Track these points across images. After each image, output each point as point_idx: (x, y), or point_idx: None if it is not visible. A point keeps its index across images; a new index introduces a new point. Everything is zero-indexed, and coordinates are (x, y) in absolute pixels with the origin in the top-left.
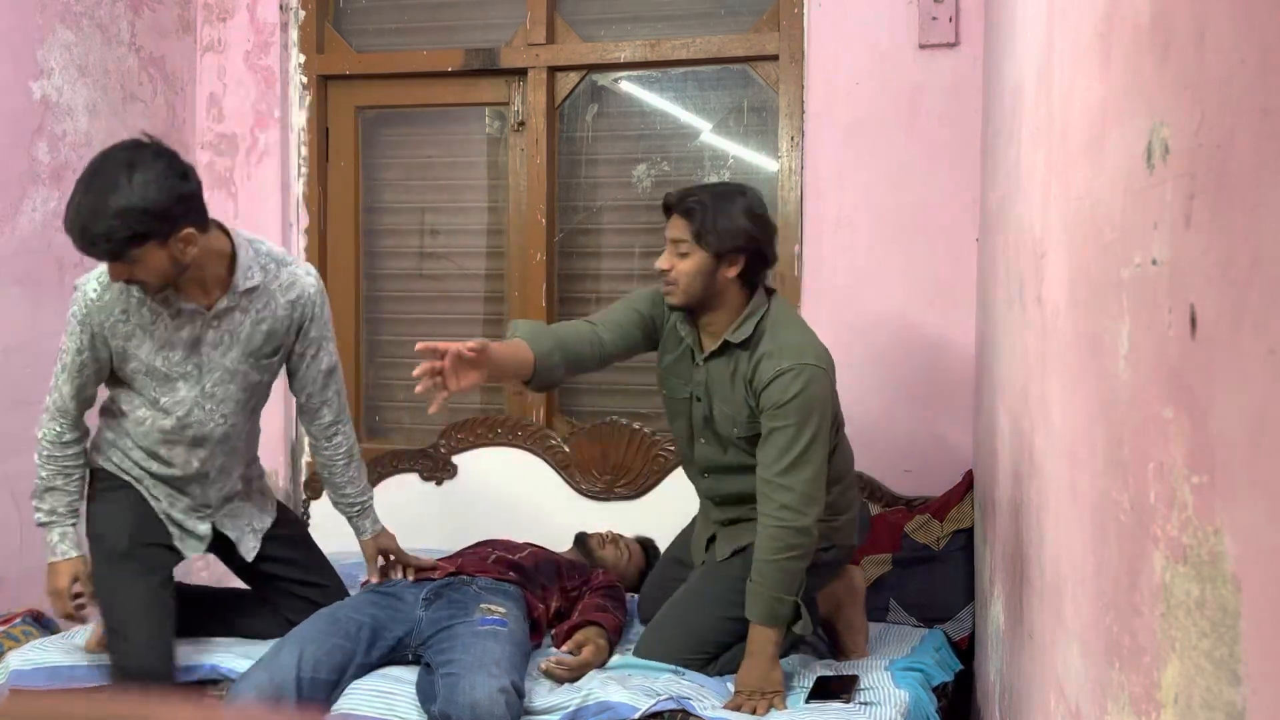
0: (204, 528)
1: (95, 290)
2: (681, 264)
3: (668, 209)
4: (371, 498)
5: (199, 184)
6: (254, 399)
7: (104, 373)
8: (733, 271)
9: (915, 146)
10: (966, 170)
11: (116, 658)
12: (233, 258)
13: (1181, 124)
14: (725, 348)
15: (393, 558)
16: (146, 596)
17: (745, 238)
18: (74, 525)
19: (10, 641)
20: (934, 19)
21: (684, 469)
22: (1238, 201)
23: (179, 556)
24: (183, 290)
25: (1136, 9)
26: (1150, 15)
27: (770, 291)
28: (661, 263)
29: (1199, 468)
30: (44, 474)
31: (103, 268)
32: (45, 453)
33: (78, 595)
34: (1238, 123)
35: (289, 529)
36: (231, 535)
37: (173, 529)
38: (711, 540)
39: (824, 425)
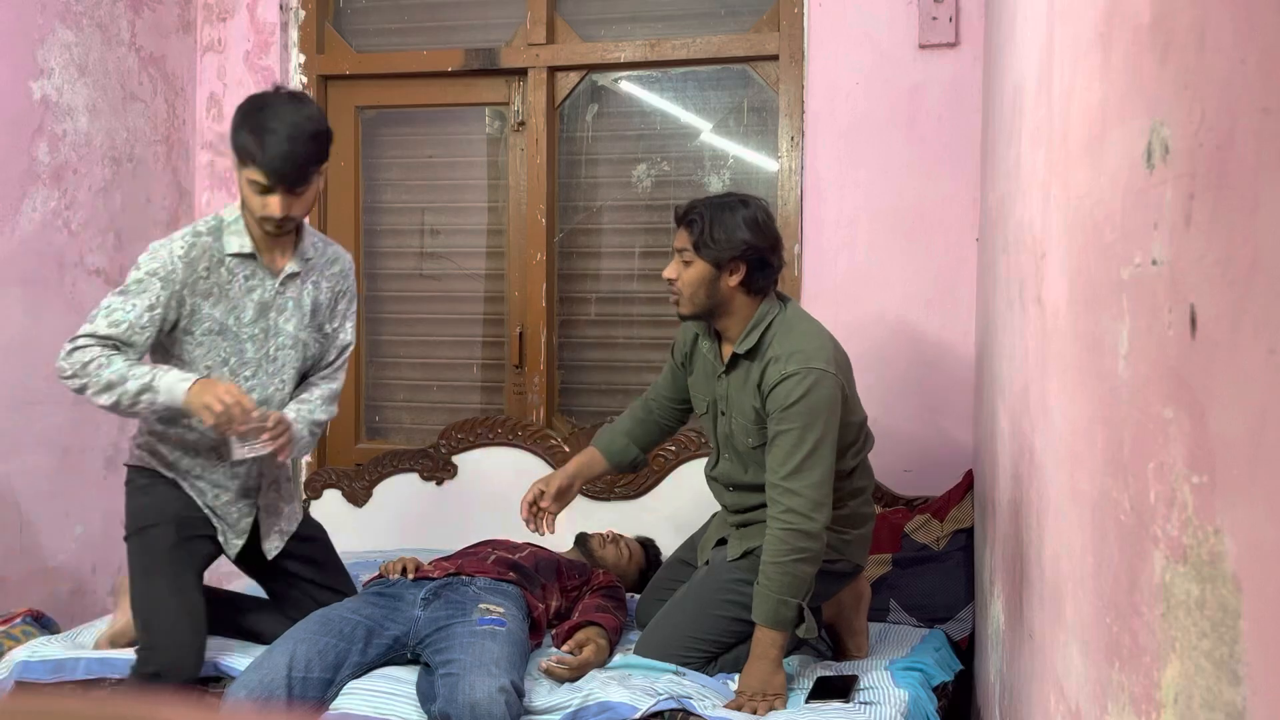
0: (247, 521)
1: (182, 248)
2: (685, 273)
3: (676, 219)
4: (313, 410)
5: None
6: (304, 372)
7: (154, 337)
8: (734, 280)
9: (915, 146)
10: (966, 170)
11: (149, 656)
12: (299, 228)
13: (1181, 124)
14: (736, 359)
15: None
16: (187, 599)
17: (744, 247)
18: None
19: (11, 641)
20: (934, 19)
21: (710, 485)
22: (1238, 201)
23: (218, 552)
24: (268, 250)
25: (1136, 9)
26: (1150, 15)
27: (783, 298)
28: (667, 272)
29: (1199, 468)
30: (102, 374)
31: (182, 233)
32: (88, 361)
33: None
34: (1238, 123)
35: (313, 533)
36: (262, 528)
37: (217, 523)
38: (722, 542)
39: (831, 429)
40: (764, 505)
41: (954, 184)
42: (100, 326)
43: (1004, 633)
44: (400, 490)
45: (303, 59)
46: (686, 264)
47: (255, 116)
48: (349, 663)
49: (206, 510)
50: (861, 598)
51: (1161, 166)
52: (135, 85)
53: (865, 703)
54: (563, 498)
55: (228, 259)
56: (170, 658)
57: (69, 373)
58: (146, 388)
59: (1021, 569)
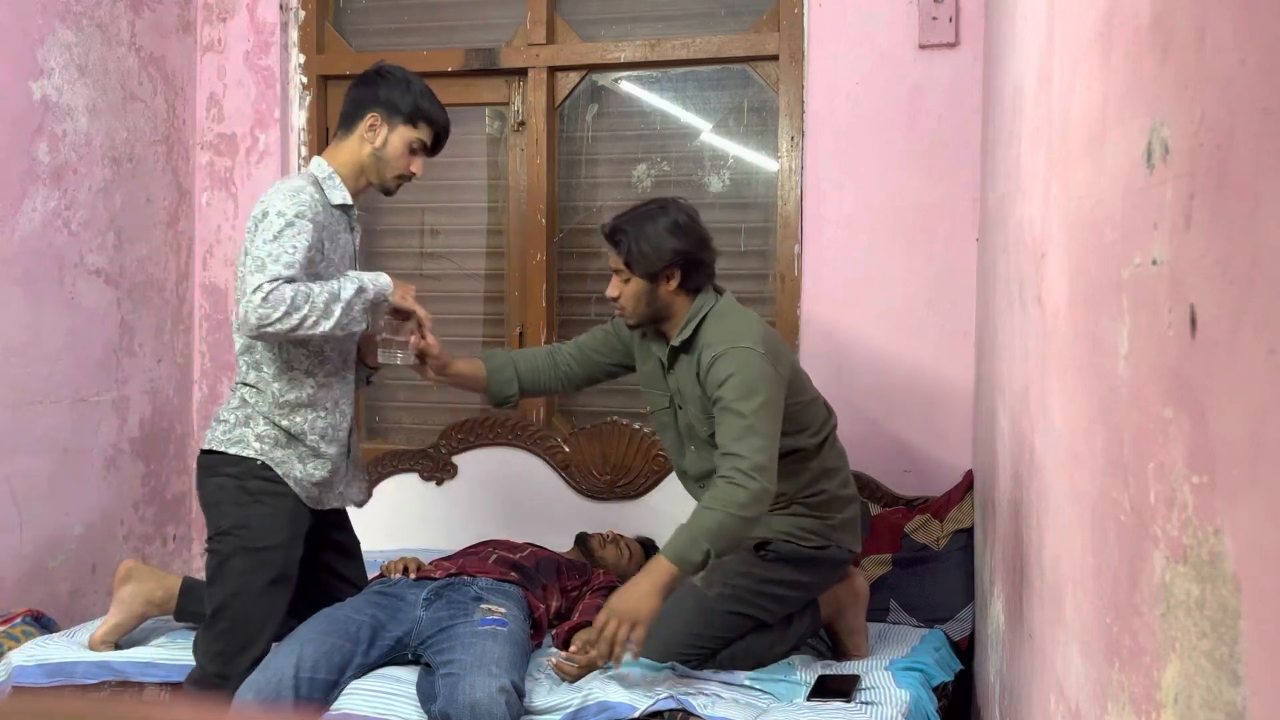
0: (345, 465)
1: (313, 192)
2: (625, 289)
3: (605, 238)
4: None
5: None
6: None
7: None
8: (672, 285)
9: (915, 146)
10: (966, 170)
11: (227, 671)
12: None
13: (1181, 124)
14: (675, 354)
15: None
16: (279, 621)
17: (672, 254)
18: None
19: (10, 641)
20: (934, 19)
21: (681, 481)
22: (1238, 201)
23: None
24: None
25: (1136, 9)
26: (1150, 15)
27: (719, 290)
28: (610, 291)
29: (1199, 468)
30: (313, 300)
31: (299, 182)
32: (293, 295)
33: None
34: (1238, 123)
35: (348, 523)
36: (351, 473)
37: (327, 497)
38: None
39: (770, 397)
40: None
41: (954, 184)
42: (276, 270)
43: (1004, 633)
44: (400, 490)
45: (303, 59)
46: (625, 281)
47: (421, 84)
48: (354, 664)
49: (317, 499)
50: (859, 596)
51: (1161, 166)
52: (135, 85)
53: (866, 703)
54: (442, 354)
55: (333, 209)
56: (243, 673)
57: (278, 314)
58: (359, 288)
59: (1021, 569)
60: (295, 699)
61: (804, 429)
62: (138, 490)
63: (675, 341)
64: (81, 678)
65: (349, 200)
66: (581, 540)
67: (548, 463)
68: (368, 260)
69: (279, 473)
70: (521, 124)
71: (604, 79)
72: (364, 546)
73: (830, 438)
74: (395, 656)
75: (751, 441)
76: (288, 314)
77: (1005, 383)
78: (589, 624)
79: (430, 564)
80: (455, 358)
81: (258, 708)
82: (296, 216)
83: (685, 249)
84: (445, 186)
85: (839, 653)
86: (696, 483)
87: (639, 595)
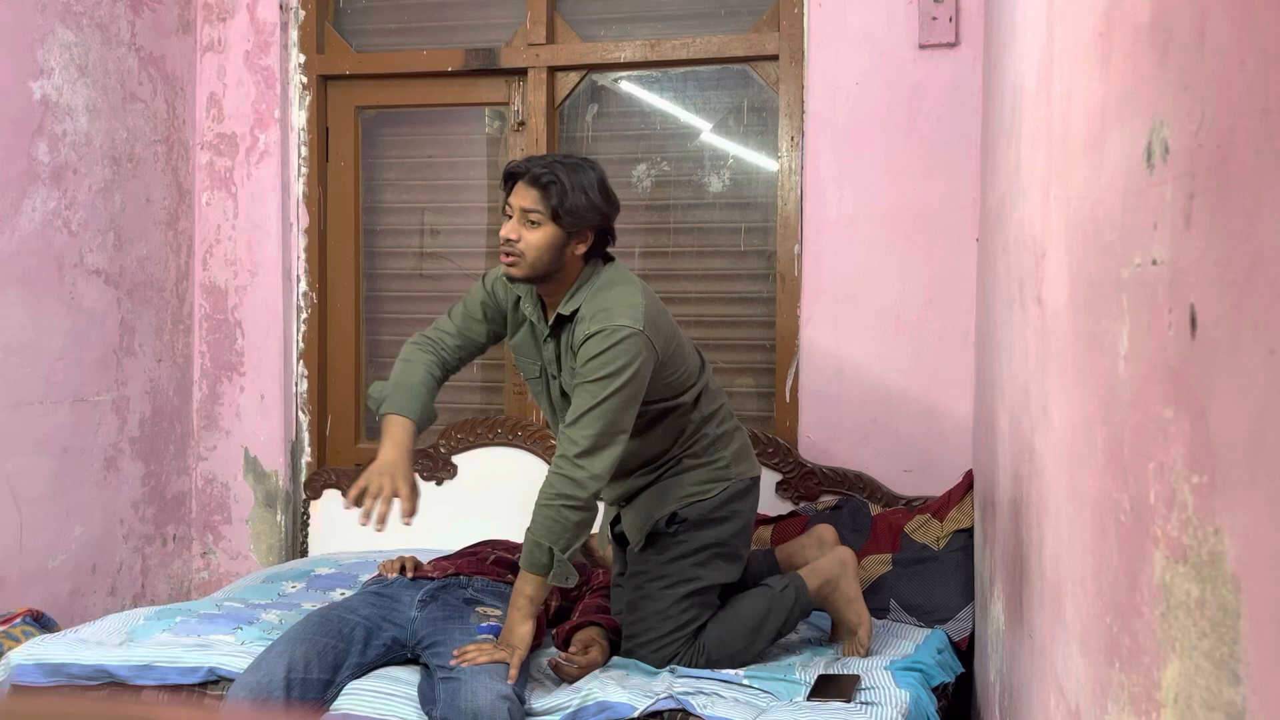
0: None
1: None
2: (531, 235)
3: (514, 176)
4: None
5: None
6: None
7: None
8: (581, 248)
9: (915, 146)
10: (966, 170)
11: None
12: None
13: (1181, 124)
14: (559, 322)
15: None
16: None
17: (598, 215)
18: None
19: (10, 641)
20: (934, 19)
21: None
22: (1238, 201)
23: None
24: None
25: (1136, 9)
26: (1150, 15)
27: (608, 259)
28: (508, 232)
29: (1199, 468)
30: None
31: None
32: None
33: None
34: (1238, 123)
35: None
36: None
37: None
38: (616, 522)
39: (630, 385)
40: (633, 470)
41: (954, 184)
42: None
43: (1004, 633)
44: None
45: (303, 59)
46: (533, 224)
47: None
48: (348, 663)
49: None
50: (847, 565)
51: (1161, 166)
52: (135, 85)
53: (866, 703)
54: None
55: None
56: None
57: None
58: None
59: (1021, 569)
60: (287, 698)
61: (683, 390)
62: (138, 490)
63: (564, 310)
64: (81, 678)
65: None
66: None
67: (548, 463)
68: (368, 259)
69: None
70: (521, 124)
71: (604, 79)
72: (363, 547)
73: (705, 386)
74: (394, 657)
75: (590, 427)
76: None
77: (1005, 383)
78: (589, 624)
79: (428, 564)
80: (401, 466)
81: (251, 708)
82: None
83: (609, 213)
84: (445, 186)
85: (841, 630)
86: None
87: (510, 623)
